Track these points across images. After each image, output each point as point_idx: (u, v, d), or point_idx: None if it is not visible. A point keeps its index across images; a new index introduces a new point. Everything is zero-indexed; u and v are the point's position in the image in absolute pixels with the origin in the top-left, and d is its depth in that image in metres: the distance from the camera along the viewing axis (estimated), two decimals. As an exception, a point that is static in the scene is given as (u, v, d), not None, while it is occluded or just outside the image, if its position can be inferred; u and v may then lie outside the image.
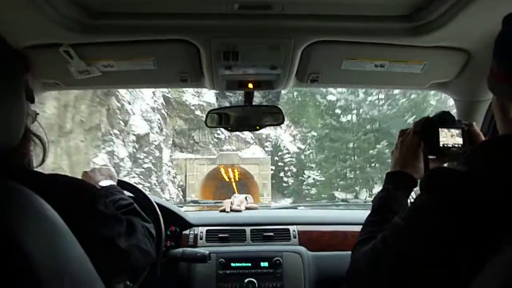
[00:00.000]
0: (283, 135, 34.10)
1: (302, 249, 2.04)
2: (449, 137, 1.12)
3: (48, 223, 0.71)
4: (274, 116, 1.85)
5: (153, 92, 22.91)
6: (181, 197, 24.73)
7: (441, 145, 1.11)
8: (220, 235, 2.07)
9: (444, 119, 1.14)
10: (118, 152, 17.18)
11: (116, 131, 17.48)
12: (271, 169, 28.82)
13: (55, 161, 11.92)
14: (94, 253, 0.81)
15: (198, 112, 29.66)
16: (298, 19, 1.29)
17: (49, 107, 11.76)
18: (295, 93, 32.55)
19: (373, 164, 26.21)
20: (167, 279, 1.93)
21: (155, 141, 21.82)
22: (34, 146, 0.95)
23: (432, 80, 1.66)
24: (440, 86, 1.71)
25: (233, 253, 2.00)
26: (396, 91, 25.08)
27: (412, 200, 0.87)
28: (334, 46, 1.42)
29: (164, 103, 26.35)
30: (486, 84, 0.87)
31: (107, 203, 1.04)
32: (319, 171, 29.55)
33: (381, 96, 27.14)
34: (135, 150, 19.14)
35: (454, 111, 1.52)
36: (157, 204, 1.84)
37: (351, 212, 2.55)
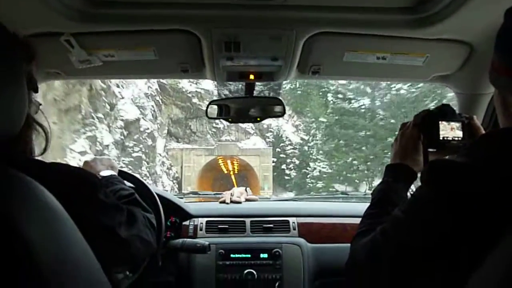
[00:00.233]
0: (285, 125, 32.76)
1: (301, 241, 2.04)
2: (449, 130, 1.12)
3: (48, 211, 0.71)
4: (275, 107, 1.85)
5: (147, 77, 22.20)
6: (176, 189, 23.51)
7: (441, 138, 1.11)
8: (220, 226, 2.08)
9: (444, 112, 1.14)
10: (102, 138, 15.79)
11: (100, 115, 15.95)
12: (273, 161, 27.67)
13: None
14: (94, 242, 0.81)
15: (195, 100, 28.18)
16: (300, 10, 1.29)
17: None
18: (298, 83, 31.45)
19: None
20: (166, 269, 1.94)
21: (148, 129, 20.46)
22: (37, 135, 0.96)
23: (434, 73, 1.66)
24: (442, 79, 1.71)
25: (233, 244, 2.00)
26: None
27: (412, 193, 0.87)
28: (336, 37, 1.41)
29: (158, 90, 24.94)
30: (488, 77, 0.87)
31: (107, 193, 1.05)
32: (327, 163, 27.37)
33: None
34: (123, 137, 17.83)
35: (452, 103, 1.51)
36: (157, 194, 1.85)
37: (350, 205, 2.56)
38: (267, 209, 2.23)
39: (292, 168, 31.02)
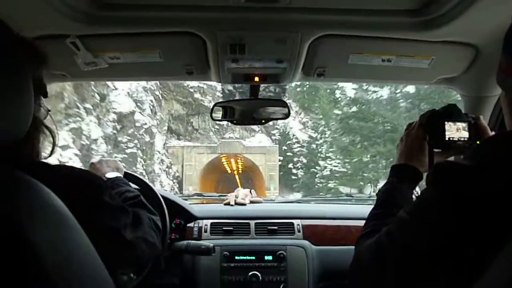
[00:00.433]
0: (292, 122, 31.49)
1: (306, 243, 2.04)
2: (455, 131, 1.11)
3: (54, 213, 0.72)
4: (280, 110, 1.85)
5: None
6: (176, 189, 22.29)
7: (447, 139, 1.11)
8: (224, 228, 2.08)
9: (450, 112, 1.13)
10: (89, 131, 14.35)
11: (88, 105, 14.49)
12: (279, 160, 26.28)
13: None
14: (99, 244, 0.81)
15: (197, 95, 26.85)
16: (306, 13, 1.29)
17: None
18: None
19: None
20: (171, 271, 1.94)
21: (145, 124, 18.91)
22: (44, 138, 0.96)
23: (440, 75, 1.65)
24: (447, 82, 1.70)
25: (237, 246, 2.00)
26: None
27: (417, 194, 0.86)
28: (341, 40, 1.41)
29: (158, 84, 23.48)
30: (494, 79, 0.86)
31: (113, 195, 1.05)
32: (339, 160, 25.15)
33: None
34: (115, 132, 16.37)
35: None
36: (162, 196, 1.85)
37: (355, 207, 2.55)
38: (271, 211, 2.23)
39: (299, 167, 29.74)
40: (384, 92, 24.31)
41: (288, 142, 30.34)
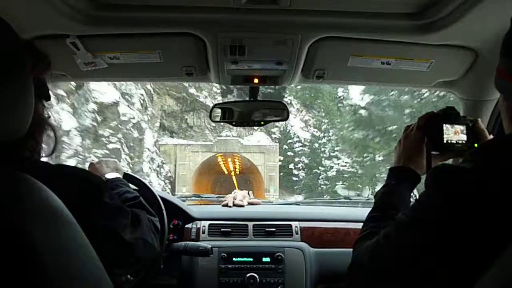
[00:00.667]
0: (293, 120, 30.03)
1: (304, 245, 2.04)
2: (453, 133, 1.12)
3: (54, 213, 0.71)
4: (279, 111, 1.85)
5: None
6: (168, 190, 20.28)
7: (445, 141, 1.11)
8: (222, 230, 2.08)
9: (448, 115, 1.13)
10: (60, 121, 12.30)
11: (60, 92, 12.70)
12: (279, 160, 24.74)
13: None
14: (98, 244, 0.81)
15: (192, 91, 25.26)
16: (306, 15, 1.29)
17: None
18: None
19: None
20: (169, 272, 1.94)
21: (133, 118, 16.98)
22: (47, 137, 0.96)
23: (439, 79, 1.66)
24: (446, 85, 1.71)
25: (235, 248, 2.00)
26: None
27: (416, 198, 0.86)
28: (341, 42, 1.41)
29: None
30: (493, 83, 0.86)
31: (112, 195, 1.05)
32: (347, 159, 22.49)
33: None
34: (95, 124, 14.40)
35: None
36: (161, 197, 1.85)
37: (353, 209, 2.56)
38: (269, 213, 2.23)
39: (301, 168, 28.21)
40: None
41: (289, 141, 28.95)
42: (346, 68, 1.56)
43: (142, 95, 19.04)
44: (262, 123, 1.88)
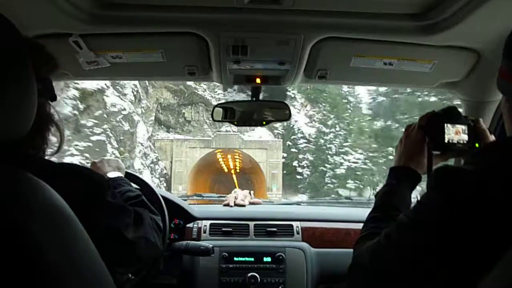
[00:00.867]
0: (297, 115, 28.13)
1: (305, 245, 2.04)
2: (455, 133, 1.11)
3: (56, 212, 0.72)
4: (281, 111, 1.85)
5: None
6: (163, 189, 17.72)
7: (446, 141, 1.11)
8: (223, 229, 2.08)
9: (450, 114, 1.13)
10: None
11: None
12: (283, 157, 23.37)
13: None
14: (101, 243, 0.81)
15: (190, 83, 23.63)
16: (309, 15, 1.29)
17: None
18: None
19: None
20: (170, 271, 1.94)
21: (124, 109, 15.75)
22: (55, 135, 0.97)
23: (441, 80, 1.66)
24: (448, 86, 1.71)
25: (236, 248, 2.00)
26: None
27: (417, 199, 0.86)
28: (344, 42, 1.41)
29: None
30: (495, 84, 0.86)
31: (115, 194, 1.05)
32: (360, 155, 20.77)
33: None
34: (77, 112, 13.23)
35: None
36: (162, 196, 1.85)
37: (354, 210, 2.56)
38: (271, 213, 2.23)
39: (305, 165, 26.50)
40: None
41: (293, 137, 27.16)
42: (349, 69, 1.56)
43: (135, 85, 17.76)
44: (264, 123, 1.88)
